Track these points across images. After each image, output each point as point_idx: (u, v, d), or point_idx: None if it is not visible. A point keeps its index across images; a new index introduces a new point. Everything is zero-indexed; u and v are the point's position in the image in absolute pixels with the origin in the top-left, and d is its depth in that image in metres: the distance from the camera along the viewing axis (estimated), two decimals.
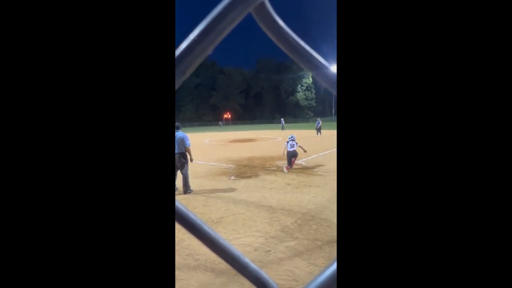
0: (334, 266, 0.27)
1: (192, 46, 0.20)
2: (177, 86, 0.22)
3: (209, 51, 0.21)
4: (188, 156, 4.97)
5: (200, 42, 0.20)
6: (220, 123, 48.67)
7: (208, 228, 0.26)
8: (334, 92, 0.26)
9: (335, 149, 7.23)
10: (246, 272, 0.26)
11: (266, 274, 0.27)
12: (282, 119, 30.64)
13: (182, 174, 4.93)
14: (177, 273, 2.46)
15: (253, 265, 0.27)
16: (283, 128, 27.52)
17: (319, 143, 12.89)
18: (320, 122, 18.52)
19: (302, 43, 0.23)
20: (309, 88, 61.44)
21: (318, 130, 17.83)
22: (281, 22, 0.22)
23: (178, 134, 4.87)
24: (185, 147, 4.86)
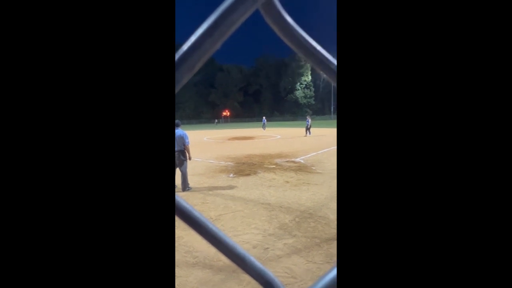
0: (334, 272, 0.27)
1: (200, 41, 0.20)
2: (186, 81, 0.21)
3: (218, 46, 0.20)
4: (187, 154, 4.96)
5: (209, 36, 0.20)
6: (216, 121, 48.00)
7: (213, 225, 0.26)
8: None
9: (333, 147, 7.24)
10: (252, 271, 0.26)
11: (272, 273, 0.27)
12: (264, 117, 27.61)
13: (181, 171, 4.93)
14: (175, 270, 2.46)
15: (259, 264, 0.27)
16: (264, 127, 25.22)
17: (317, 142, 12.91)
18: (310, 120, 17.49)
19: (310, 39, 0.23)
20: (308, 86, 61.34)
21: (308, 129, 16.97)
22: (288, 18, 0.22)
23: (178, 132, 4.86)
24: (184, 145, 4.85)
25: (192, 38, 0.20)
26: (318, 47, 0.23)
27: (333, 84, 0.25)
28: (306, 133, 16.89)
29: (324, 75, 0.26)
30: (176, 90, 0.22)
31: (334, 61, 0.24)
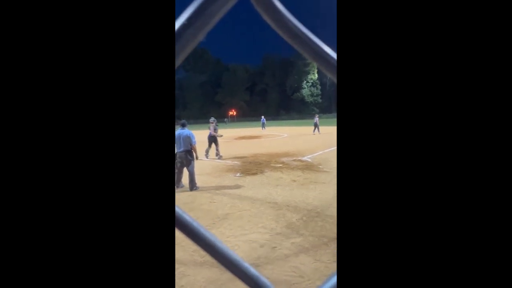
0: (334, 279, 0.26)
1: (181, 32, 0.19)
2: None
3: (201, 37, 0.20)
4: (194, 154, 5.01)
5: (188, 27, 0.19)
6: (226, 119, 49.07)
7: (205, 230, 0.25)
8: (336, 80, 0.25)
9: None
10: (245, 276, 0.26)
11: (264, 278, 0.27)
12: (263, 116, 26.32)
13: (189, 171, 4.97)
14: (184, 269, 2.48)
15: (252, 269, 0.26)
16: (263, 126, 24.05)
17: (324, 140, 12.82)
18: (317, 118, 18.16)
19: (303, 28, 0.22)
20: (314, 85, 60.97)
21: (316, 127, 17.60)
22: (280, 6, 0.21)
23: (185, 132, 4.89)
24: (191, 145, 4.89)
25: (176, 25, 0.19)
26: (313, 37, 0.23)
27: (330, 75, 0.25)
28: (314, 130, 17.40)
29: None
30: None
31: (331, 52, 0.24)
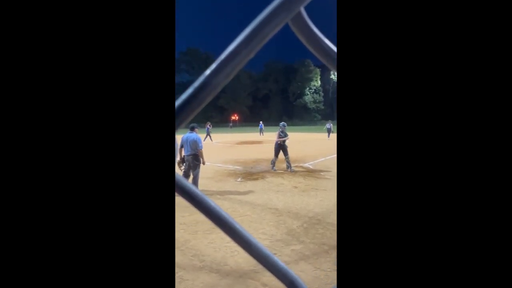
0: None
1: (237, 51, 0.21)
2: (222, 86, 0.22)
3: (252, 55, 0.21)
4: (201, 159, 4.97)
5: (245, 47, 0.21)
6: (230, 124, 49.32)
7: (241, 227, 0.26)
8: None
9: None
10: (275, 270, 0.27)
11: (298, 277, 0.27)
12: (261, 122, 26.05)
13: (193, 175, 4.95)
14: (182, 273, 2.47)
15: (285, 266, 0.27)
16: (261, 132, 23.80)
17: (325, 147, 12.78)
18: (331, 124, 18.85)
19: (333, 47, 0.24)
20: (317, 91, 61.05)
21: (329, 132, 18.50)
22: (315, 29, 0.23)
23: (192, 135, 4.86)
24: (197, 149, 4.87)
25: (230, 48, 0.21)
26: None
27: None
28: (329, 135, 18.42)
29: (334, 80, 0.26)
30: (214, 95, 0.23)
31: None
